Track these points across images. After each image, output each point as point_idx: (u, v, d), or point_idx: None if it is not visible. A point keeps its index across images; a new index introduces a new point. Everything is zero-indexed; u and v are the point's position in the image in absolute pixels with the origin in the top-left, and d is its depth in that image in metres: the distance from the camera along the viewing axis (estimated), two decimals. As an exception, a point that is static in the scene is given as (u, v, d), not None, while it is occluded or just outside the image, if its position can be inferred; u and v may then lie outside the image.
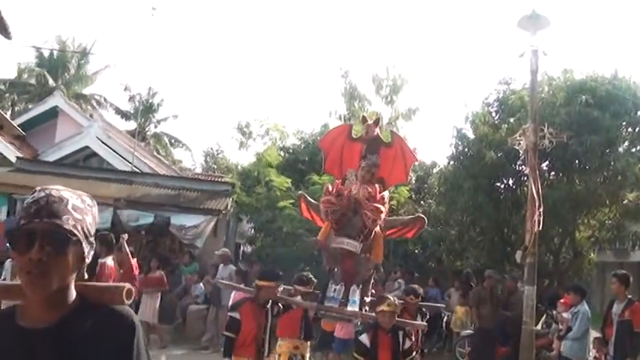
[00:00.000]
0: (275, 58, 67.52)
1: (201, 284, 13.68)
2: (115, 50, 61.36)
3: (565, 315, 8.46)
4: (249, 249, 20.12)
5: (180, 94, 65.33)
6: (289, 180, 15.11)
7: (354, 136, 6.75)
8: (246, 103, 59.81)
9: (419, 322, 6.65)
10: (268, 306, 5.92)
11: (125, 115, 33.57)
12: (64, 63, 29.44)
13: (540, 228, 7.89)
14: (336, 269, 6.50)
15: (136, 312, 10.40)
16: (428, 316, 7.44)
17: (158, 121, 34.66)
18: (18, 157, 17.04)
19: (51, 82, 27.79)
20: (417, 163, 17.45)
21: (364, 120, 6.63)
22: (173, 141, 34.87)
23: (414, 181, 17.05)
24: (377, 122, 6.61)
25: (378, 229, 6.24)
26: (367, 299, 6.44)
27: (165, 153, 33.86)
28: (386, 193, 6.13)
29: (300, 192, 8.00)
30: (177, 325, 13.38)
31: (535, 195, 7.84)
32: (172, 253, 15.65)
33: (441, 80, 60.77)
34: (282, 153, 18.33)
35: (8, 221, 16.35)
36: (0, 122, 8.54)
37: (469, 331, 11.88)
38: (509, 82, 13.45)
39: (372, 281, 6.76)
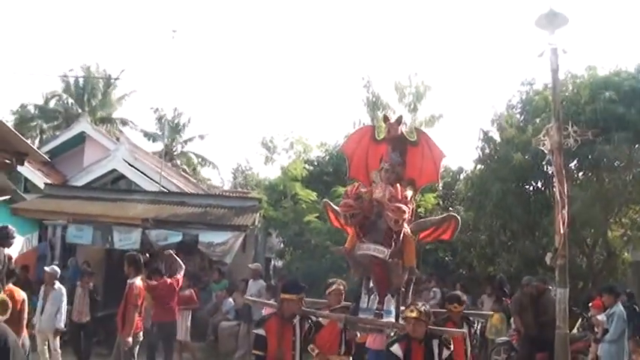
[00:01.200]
0: (296, 70, 67.70)
1: (230, 299, 13.71)
2: (141, 74, 62.09)
3: (600, 317, 8.24)
4: (279, 263, 20.10)
5: (206, 114, 65.73)
6: (314, 193, 15.07)
7: (378, 138, 6.34)
8: (270, 118, 59.97)
9: (456, 329, 6.24)
10: (295, 320, 5.71)
11: (152, 137, 33.99)
12: (90, 89, 29.94)
13: (568, 228, 7.67)
14: (367, 279, 6.14)
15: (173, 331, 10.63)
16: (476, 325, 7.22)
17: (185, 141, 35.00)
18: (46, 184, 17.29)
19: (76, 108, 28.23)
20: (444, 162, 17.59)
21: (385, 119, 6.20)
22: (200, 160, 35.17)
23: (441, 188, 16.84)
24: (399, 120, 6.14)
25: (408, 231, 5.86)
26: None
27: (194, 172, 34.20)
28: (409, 193, 5.67)
29: (324, 200, 7.66)
30: (209, 343, 13.39)
31: (559, 196, 7.63)
32: (202, 270, 15.74)
33: (465, 84, 60.30)
34: (306, 166, 18.35)
35: (41, 247, 16.64)
36: (25, 150, 8.62)
37: (505, 339, 11.64)
38: (532, 83, 13.28)
39: (411, 287, 6.41)
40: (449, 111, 36.69)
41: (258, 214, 16.17)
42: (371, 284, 6.03)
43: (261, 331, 5.60)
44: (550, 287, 11.15)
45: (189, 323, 11.82)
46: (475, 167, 14.86)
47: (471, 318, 6.97)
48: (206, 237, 14.21)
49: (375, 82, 15.35)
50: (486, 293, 13.73)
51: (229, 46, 67.71)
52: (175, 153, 34.40)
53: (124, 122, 32.05)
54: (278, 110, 64.31)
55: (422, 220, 6.60)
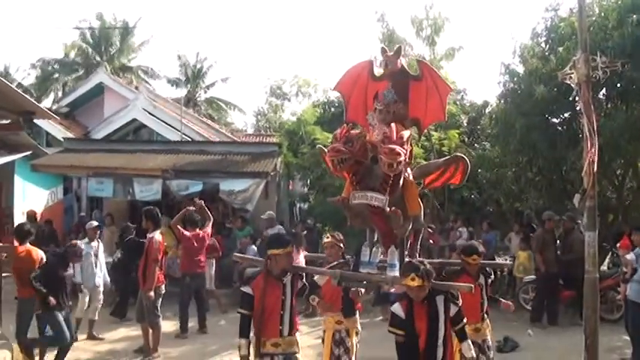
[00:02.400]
0: (307, 7, 66.08)
1: (254, 246, 13.66)
2: (159, 20, 61.43)
3: (628, 257, 7.90)
4: (305, 206, 20.00)
5: (226, 56, 65.09)
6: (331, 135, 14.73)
7: (378, 74, 5.57)
8: (285, 59, 58.95)
9: (463, 284, 5.45)
10: (286, 279, 5.23)
11: (175, 83, 33.81)
12: (107, 38, 29.62)
13: (596, 169, 7.23)
14: (368, 230, 5.55)
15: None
16: (493, 277, 6.47)
17: (208, 86, 34.72)
18: (65, 138, 17.30)
19: (95, 57, 28.00)
20: (451, 96, 16.90)
21: (383, 52, 5.42)
22: (224, 104, 34.94)
23: (465, 124, 16.35)
24: (398, 52, 5.39)
25: (409, 176, 5.30)
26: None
27: (218, 117, 34.06)
28: (405, 133, 4.96)
29: (318, 146, 7.08)
30: (235, 289, 13.43)
31: (588, 133, 7.14)
32: (226, 217, 15.71)
33: (485, 13, 58.10)
34: (321, 109, 18.01)
35: (67, 199, 16.81)
36: (32, 108, 8.45)
37: (532, 277, 11.41)
38: (556, 9, 12.50)
39: (419, 238, 5.70)
40: (469, 43, 35.50)
41: (279, 160, 15.98)
42: (371, 236, 5.51)
43: (247, 289, 5.20)
44: (579, 222, 10.85)
45: (213, 272, 11.88)
46: (498, 102, 14.29)
47: (488, 269, 6.38)
48: (227, 185, 14.10)
49: (389, 15, 14.80)
50: (514, 231, 13.46)
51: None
52: (199, 99, 34.18)
53: (145, 70, 31.86)
54: (292, 50, 63.13)
55: (425, 163, 6.01)
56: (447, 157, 5.76)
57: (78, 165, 14.57)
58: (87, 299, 9.87)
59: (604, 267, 11.43)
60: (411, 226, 5.18)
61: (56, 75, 29.93)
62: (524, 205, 14.87)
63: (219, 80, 34.60)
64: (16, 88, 8.28)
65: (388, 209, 4.84)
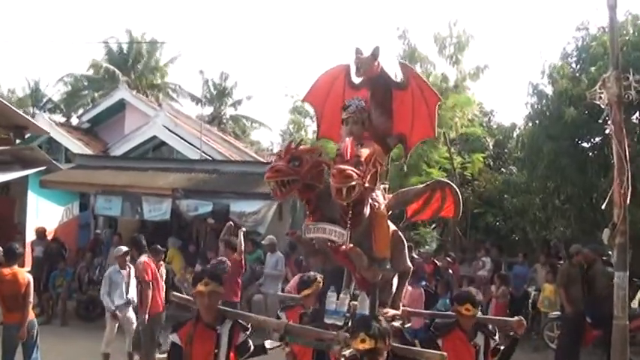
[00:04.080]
0: (326, 21, 65.84)
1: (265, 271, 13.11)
2: (186, 38, 62.00)
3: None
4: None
5: (253, 75, 65.19)
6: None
7: (356, 82, 4.67)
8: (307, 77, 58.70)
9: (436, 352, 4.16)
10: (220, 326, 4.20)
11: (200, 101, 33.76)
12: (134, 55, 29.69)
13: (629, 199, 6.49)
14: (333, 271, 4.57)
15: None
16: (497, 339, 4.80)
17: (233, 104, 34.58)
18: (77, 154, 17.10)
19: (119, 75, 28.05)
20: (477, 118, 16.17)
21: (357, 52, 4.45)
22: (250, 122, 34.74)
23: (491, 147, 15.62)
24: (375, 54, 4.39)
25: (380, 206, 4.23)
26: (390, 311, 4.44)
27: (245, 135, 33.82)
28: (365, 150, 3.92)
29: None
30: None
31: (617, 159, 6.42)
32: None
33: (513, 31, 56.79)
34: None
35: (83, 216, 16.54)
36: (24, 124, 8.12)
37: (558, 313, 10.58)
38: (587, 27, 11.81)
39: (403, 285, 4.67)
40: (496, 62, 34.54)
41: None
42: (338, 278, 4.52)
43: (175, 338, 4.23)
44: (604, 257, 10.06)
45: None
46: (526, 125, 13.58)
47: (491, 327, 4.86)
48: (237, 206, 13.58)
49: (411, 32, 14.08)
50: (540, 262, 12.61)
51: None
52: (224, 117, 34.02)
53: (172, 88, 31.85)
54: (315, 68, 62.98)
55: (402, 190, 4.76)
56: (426, 183, 4.78)
57: (86, 182, 14.26)
58: (115, 330, 9.09)
59: (635, 304, 10.52)
60: (380, 270, 4.16)
61: (85, 91, 30.07)
62: (551, 235, 14.02)
63: (244, 98, 34.44)
64: (7, 103, 7.92)
65: (348, 246, 3.89)
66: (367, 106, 4.38)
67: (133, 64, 29.64)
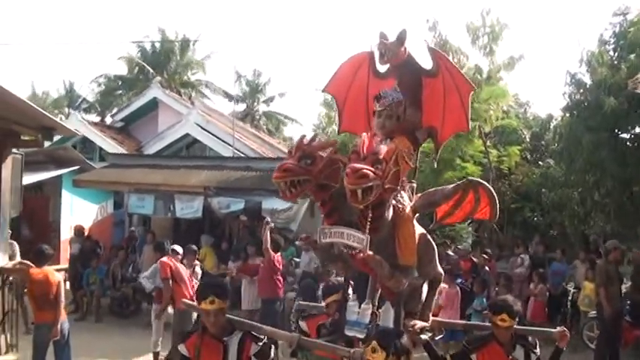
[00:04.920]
0: (358, 16, 65.28)
1: (298, 270, 13.04)
2: (220, 36, 62.30)
3: None
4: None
5: (284, 72, 65.24)
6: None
7: (382, 70, 4.26)
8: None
9: None
10: (228, 338, 3.92)
11: (233, 98, 33.91)
12: (167, 54, 29.91)
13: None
14: (357, 279, 4.22)
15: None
16: (538, 350, 4.34)
17: (266, 101, 34.64)
18: (110, 153, 17.25)
19: (152, 74, 28.31)
20: (513, 109, 15.78)
21: (381, 37, 4.01)
22: (283, 118, 34.78)
23: (527, 139, 15.21)
24: (402, 38, 3.94)
25: (406, 208, 3.85)
26: (417, 323, 4.04)
27: (276, 132, 33.86)
28: (383, 147, 3.55)
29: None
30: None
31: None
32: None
33: (549, 19, 55.27)
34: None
35: (117, 214, 16.72)
36: (51, 125, 8.14)
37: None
38: (625, 13, 11.34)
39: (433, 295, 4.31)
40: (531, 51, 33.67)
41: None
42: (361, 287, 4.17)
43: (182, 349, 4.02)
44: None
45: (255, 293, 11.27)
46: (563, 116, 13.16)
47: (531, 340, 4.36)
48: (269, 203, 13.48)
49: (442, 23, 13.75)
50: (579, 258, 12.19)
51: None
52: (257, 114, 34.10)
53: (205, 85, 32.02)
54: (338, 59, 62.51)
55: (429, 191, 4.24)
56: (457, 183, 4.24)
57: (119, 181, 14.34)
58: (162, 328, 9.20)
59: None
60: (405, 279, 3.77)
61: (119, 91, 30.44)
62: (590, 230, 13.59)
63: (277, 95, 34.47)
64: (35, 105, 7.97)
65: (367, 253, 3.51)
66: (404, 101, 3.98)
67: (166, 63, 29.85)
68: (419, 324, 4.05)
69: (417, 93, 4.07)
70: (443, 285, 9.70)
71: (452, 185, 4.22)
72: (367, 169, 3.31)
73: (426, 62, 4.12)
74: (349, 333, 4.02)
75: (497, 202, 4.13)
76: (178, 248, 9.33)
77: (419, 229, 4.01)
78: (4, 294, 8.38)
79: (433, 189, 4.23)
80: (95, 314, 12.34)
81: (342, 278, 4.69)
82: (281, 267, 10.50)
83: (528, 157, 15.28)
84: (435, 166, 5.52)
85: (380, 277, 3.81)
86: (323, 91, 4.56)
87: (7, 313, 8.42)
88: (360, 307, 4.03)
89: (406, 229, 3.81)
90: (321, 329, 4.54)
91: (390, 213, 3.72)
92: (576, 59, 11.98)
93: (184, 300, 4.84)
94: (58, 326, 7.32)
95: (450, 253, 11.86)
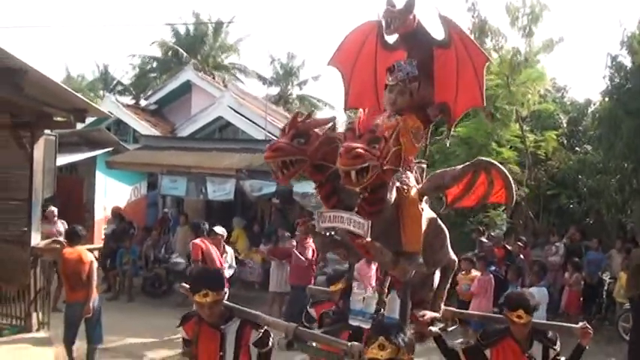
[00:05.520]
0: None
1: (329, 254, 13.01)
2: (254, 19, 62.13)
3: None
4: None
5: (318, 55, 64.93)
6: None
7: (390, 41, 3.95)
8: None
9: None
10: (225, 326, 3.75)
11: (267, 81, 33.90)
12: (201, 36, 29.99)
13: None
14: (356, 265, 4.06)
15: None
16: (558, 348, 4.08)
17: (299, 84, 34.55)
18: (143, 135, 17.39)
19: (185, 56, 28.42)
20: (550, 93, 15.31)
21: (388, 4, 3.71)
22: (316, 102, 34.62)
23: (565, 124, 14.81)
24: (410, 5, 3.65)
25: (410, 190, 3.51)
26: (427, 314, 3.84)
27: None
28: (382, 123, 3.38)
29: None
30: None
31: None
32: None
33: (589, 0, 53.68)
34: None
35: (151, 195, 16.90)
36: (83, 106, 8.19)
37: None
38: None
39: (445, 283, 4.07)
40: (570, 33, 32.71)
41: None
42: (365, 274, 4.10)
43: (183, 332, 3.92)
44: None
45: (285, 276, 11.26)
46: (602, 100, 12.77)
47: (550, 335, 4.10)
48: (301, 187, 13.39)
49: (481, 4, 13.45)
50: (615, 248, 11.87)
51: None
52: (290, 97, 34.03)
53: (239, 68, 32.06)
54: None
55: (437, 172, 3.90)
56: (466, 164, 3.89)
57: (152, 162, 14.47)
58: None
59: None
60: (410, 266, 3.48)
61: (153, 74, 30.65)
62: (628, 218, 13.21)
63: (310, 78, 34.32)
64: (67, 87, 8.03)
65: (366, 240, 3.26)
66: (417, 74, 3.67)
67: (200, 46, 29.93)
68: (429, 314, 3.87)
69: (428, 66, 3.76)
70: (475, 272, 9.63)
71: (460, 166, 3.86)
72: (362, 148, 3.06)
73: (438, 32, 3.81)
74: (353, 323, 3.88)
75: (512, 184, 3.84)
76: (219, 229, 9.33)
77: (428, 213, 3.76)
78: (35, 273, 8.51)
79: (440, 171, 3.91)
80: (127, 294, 12.51)
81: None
82: (315, 255, 10.36)
83: (565, 142, 14.86)
84: (447, 145, 5.32)
85: (382, 265, 3.64)
86: (328, 64, 4.19)
87: (39, 291, 8.56)
88: (361, 296, 3.90)
89: (411, 212, 3.49)
90: (324, 318, 4.36)
91: (392, 196, 3.43)
92: (617, 41, 11.62)
93: (182, 285, 4.69)
94: (90, 304, 7.43)
95: (484, 240, 11.65)
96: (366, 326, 3.75)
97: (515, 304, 3.94)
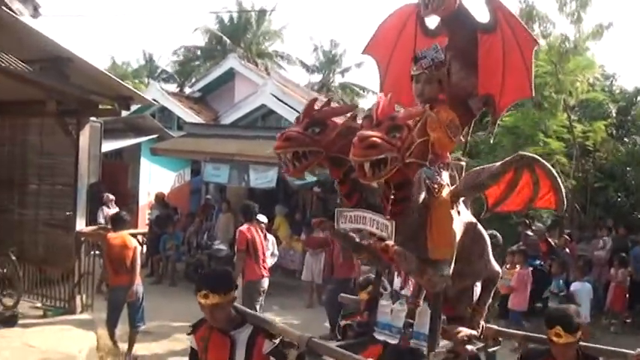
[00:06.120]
0: None
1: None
2: (296, 6, 62.08)
3: None
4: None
5: (360, 43, 64.40)
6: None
7: (432, 27, 3.58)
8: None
9: None
10: (236, 332, 3.28)
11: (310, 69, 33.92)
12: (244, 24, 30.14)
13: None
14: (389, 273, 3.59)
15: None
16: None
17: (342, 72, 34.48)
18: (187, 123, 17.58)
19: (229, 44, 28.63)
20: (598, 82, 14.73)
21: None
22: (359, 90, 34.49)
23: (614, 114, 14.35)
24: None
25: (443, 189, 3.03)
26: (463, 331, 3.41)
27: (352, 103, 33.69)
28: (405, 111, 3.03)
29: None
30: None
31: None
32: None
33: None
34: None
35: (194, 181, 17.13)
36: (129, 94, 8.33)
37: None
38: None
39: (487, 294, 3.62)
40: (620, 19, 31.62)
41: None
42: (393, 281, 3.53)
43: (192, 341, 3.48)
44: None
45: (321, 266, 11.28)
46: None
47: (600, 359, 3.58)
48: (344, 177, 13.40)
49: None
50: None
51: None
52: (332, 85, 33.97)
53: (281, 56, 32.16)
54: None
55: (474, 170, 3.28)
56: (505, 160, 3.19)
57: (195, 150, 14.61)
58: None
59: None
60: (436, 276, 2.99)
61: (197, 62, 30.96)
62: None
63: (353, 66, 34.19)
64: (113, 76, 8.16)
65: (386, 244, 2.88)
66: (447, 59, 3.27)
67: (243, 34, 30.10)
68: (465, 331, 3.41)
69: (472, 53, 3.31)
70: (515, 267, 9.44)
71: (499, 162, 3.20)
72: (379, 137, 2.69)
73: (482, 14, 3.38)
74: (379, 337, 3.43)
75: (561, 186, 3.22)
76: (262, 218, 9.27)
77: (465, 217, 3.30)
78: (80, 257, 8.71)
79: (477, 168, 3.29)
80: (170, 279, 12.72)
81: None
82: None
83: (614, 133, 14.40)
84: (492, 141, 4.95)
85: (408, 274, 3.23)
86: (362, 53, 3.85)
87: (83, 275, 8.77)
88: (389, 307, 3.41)
89: (440, 214, 2.98)
90: (347, 330, 3.98)
91: (421, 195, 2.96)
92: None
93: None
94: (134, 288, 7.57)
95: (530, 233, 11.41)
96: (393, 342, 3.33)
97: (552, 321, 3.28)
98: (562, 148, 12.21)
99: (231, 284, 3.30)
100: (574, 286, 9.47)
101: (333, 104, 3.36)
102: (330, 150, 3.08)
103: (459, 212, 3.17)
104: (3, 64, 6.70)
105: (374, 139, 2.68)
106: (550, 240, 11.35)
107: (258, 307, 8.52)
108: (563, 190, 3.22)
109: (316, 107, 3.17)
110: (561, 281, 9.54)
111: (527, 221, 11.79)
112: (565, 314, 3.29)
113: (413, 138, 2.84)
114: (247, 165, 13.94)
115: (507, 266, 9.24)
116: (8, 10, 6.93)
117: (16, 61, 6.81)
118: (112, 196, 12.36)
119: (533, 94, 3.52)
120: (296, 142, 3.02)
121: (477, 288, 3.59)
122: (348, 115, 3.27)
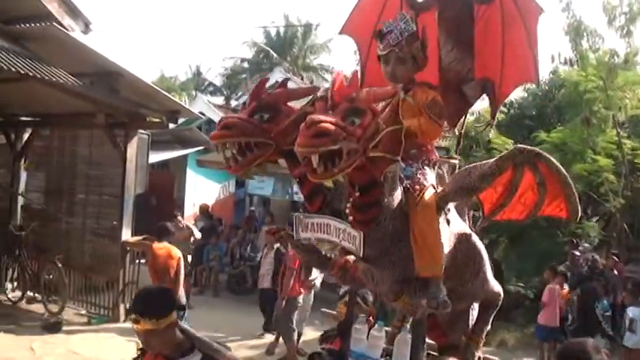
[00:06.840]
0: None
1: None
2: (341, 20, 62.25)
3: None
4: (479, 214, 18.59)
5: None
6: (511, 140, 13.24)
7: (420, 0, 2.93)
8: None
9: None
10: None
11: (354, 82, 33.97)
12: (291, 38, 30.44)
13: None
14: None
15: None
16: None
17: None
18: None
19: (276, 57, 28.95)
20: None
21: None
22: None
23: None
24: None
25: (426, 193, 2.46)
26: None
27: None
28: (369, 91, 2.47)
29: None
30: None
31: None
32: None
33: None
34: (505, 109, 16.40)
35: (239, 193, 17.32)
36: (176, 108, 8.51)
37: None
38: None
39: (488, 317, 3.04)
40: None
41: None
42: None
43: None
44: None
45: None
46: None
47: None
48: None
49: (576, 3, 12.88)
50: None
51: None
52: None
53: (326, 69, 32.29)
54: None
55: (466, 168, 2.60)
56: (500, 155, 2.59)
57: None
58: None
59: None
60: (421, 298, 2.44)
61: (243, 75, 31.39)
62: None
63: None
64: (161, 90, 8.39)
65: (351, 259, 2.51)
66: (420, 32, 2.65)
67: (289, 48, 30.40)
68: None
69: (466, 30, 2.73)
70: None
71: (494, 159, 2.57)
72: (332, 122, 2.08)
73: None
74: None
75: (573, 189, 2.57)
76: None
77: (457, 227, 2.71)
78: (125, 266, 8.90)
79: (470, 165, 2.60)
80: (213, 289, 12.84)
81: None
82: None
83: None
84: (490, 135, 4.16)
85: (379, 296, 2.71)
86: (339, 33, 3.20)
87: (128, 283, 8.95)
88: (363, 333, 2.88)
89: (424, 222, 2.40)
90: (314, 359, 3.24)
91: (395, 198, 2.41)
92: None
93: None
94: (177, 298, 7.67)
95: (577, 253, 11.13)
96: None
97: (568, 356, 2.56)
98: (611, 165, 11.87)
99: (168, 307, 2.70)
100: (632, 312, 8.33)
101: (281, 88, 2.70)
102: (282, 141, 2.40)
103: (448, 220, 2.60)
104: (54, 79, 6.93)
105: (325, 124, 2.05)
106: (598, 259, 11.04)
107: (294, 321, 8.54)
108: (576, 193, 2.61)
109: (265, 90, 2.56)
110: (605, 302, 9.27)
111: (574, 240, 11.50)
112: (583, 350, 2.52)
113: (378, 125, 2.23)
114: (291, 178, 13.97)
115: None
116: (59, 27, 7.16)
117: (67, 75, 7.03)
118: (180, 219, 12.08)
119: (538, 77, 2.96)
120: (238, 131, 2.31)
121: (474, 312, 3.03)
122: (308, 98, 2.63)
